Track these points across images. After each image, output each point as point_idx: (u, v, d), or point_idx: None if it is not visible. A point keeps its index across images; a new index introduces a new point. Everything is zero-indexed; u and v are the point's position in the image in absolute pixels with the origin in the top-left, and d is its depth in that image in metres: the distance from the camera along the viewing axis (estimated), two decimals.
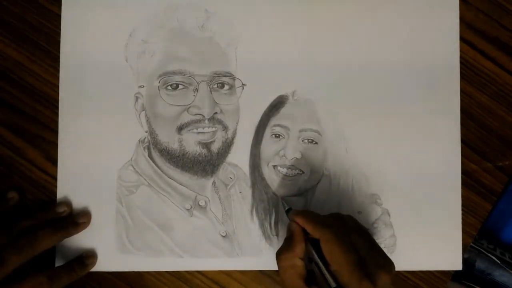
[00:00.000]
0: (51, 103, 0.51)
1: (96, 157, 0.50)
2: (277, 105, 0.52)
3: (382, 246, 0.51)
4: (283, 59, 0.52)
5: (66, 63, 0.51)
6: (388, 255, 0.42)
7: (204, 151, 0.51)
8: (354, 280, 0.39)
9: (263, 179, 0.52)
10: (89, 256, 0.50)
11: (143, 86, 0.51)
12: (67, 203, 0.50)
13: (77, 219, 0.50)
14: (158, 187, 0.51)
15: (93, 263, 0.50)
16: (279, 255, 0.44)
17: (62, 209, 0.50)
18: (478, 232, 0.53)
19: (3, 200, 0.50)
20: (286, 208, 0.49)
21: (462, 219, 0.52)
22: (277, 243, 0.51)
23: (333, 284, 0.41)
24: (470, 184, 0.53)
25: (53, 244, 0.48)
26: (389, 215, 0.52)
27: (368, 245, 0.42)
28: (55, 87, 0.52)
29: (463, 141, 0.53)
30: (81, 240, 0.50)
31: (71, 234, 0.49)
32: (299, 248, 0.43)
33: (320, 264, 0.42)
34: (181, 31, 0.52)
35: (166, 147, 0.51)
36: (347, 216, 0.45)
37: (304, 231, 0.44)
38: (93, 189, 0.51)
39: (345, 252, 0.41)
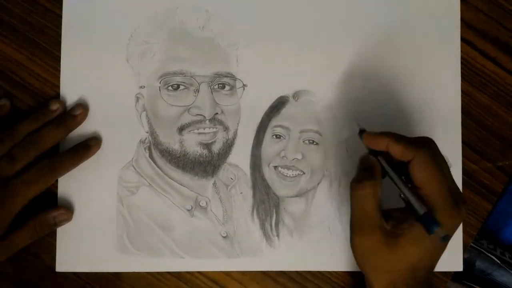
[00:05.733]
0: None
1: (96, 158, 0.50)
2: (278, 106, 0.52)
3: None
4: (284, 60, 0.52)
5: (67, 63, 0.51)
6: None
7: (205, 151, 0.51)
8: (448, 207, 0.38)
9: (264, 179, 0.52)
10: (92, 138, 0.50)
11: (144, 87, 0.51)
12: (59, 101, 0.50)
13: (73, 112, 0.50)
14: (159, 188, 0.51)
15: (98, 145, 0.50)
16: (359, 181, 0.41)
17: (55, 107, 0.50)
18: (478, 232, 0.53)
19: None
20: (360, 129, 0.45)
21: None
22: (278, 244, 0.51)
23: (423, 209, 0.38)
24: (470, 184, 0.53)
25: (57, 141, 0.49)
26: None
27: (452, 177, 0.41)
28: (55, 87, 0.51)
29: (463, 141, 0.53)
30: (82, 239, 0.50)
31: (72, 128, 0.50)
32: (380, 178, 0.41)
33: (407, 189, 0.39)
34: (182, 31, 0.51)
35: (167, 148, 0.51)
36: (434, 143, 0.42)
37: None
38: (94, 189, 0.50)
39: (442, 176, 0.39)
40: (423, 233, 0.39)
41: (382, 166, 0.42)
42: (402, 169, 0.41)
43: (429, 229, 0.38)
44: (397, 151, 0.40)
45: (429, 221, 0.38)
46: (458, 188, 0.41)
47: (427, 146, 0.40)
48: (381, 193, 0.41)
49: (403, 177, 0.41)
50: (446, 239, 0.38)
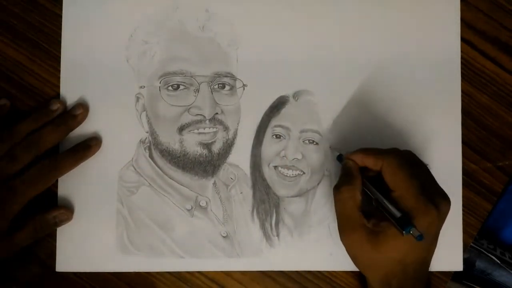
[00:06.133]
0: None
1: (96, 158, 0.50)
2: (278, 105, 0.52)
3: None
4: (284, 60, 0.52)
5: (67, 63, 0.51)
6: None
7: (205, 151, 0.51)
8: (420, 204, 0.41)
9: (264, 179, 0.52)
10: (92, 138, 0.50)
11: (144, 87, 0.51)
12: (60, 100, 0.50)
13: (74, 112, 0.50)
14: (159, 188, 0.51)
15: (98, 145, 0.50)
16: (338, 188, 0.45)
17: (55, 107, 0.50)
18: (478, 232, 0.53)
19: None
20: (337, 155, 0.49)
21: (462, 219, 0.52)
22: (278, 244, 0.51)
23: (397, 214, 0.41)
24: (470, 184, 0.53)
25: (57, 141, 0.49)
26: None
27: (427, 176, 0.44)
28: (55, 87, 0.51)
29: (463, 141, 0.53)
30: (82, 239, 0.50)
31: (72, 128, 0.50)
32: (358, 182, 0.45)
33: (381, 197, 0.43)
34: (182, 31, 0.51)
35: (167, 148, 0.51)
36: (405, 150, 0.46)
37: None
38: (94, 189, 0.50)
39: (410, 176, 0.42)
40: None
41: (363, 180, 0.46)
42: (381, 182, 0.44)
43: (403, 230, 0.40)
44: (369, 162, 0.45)
45: (402, 223, 0.41)
46: (435, 186, 0.44)
47: (393, 153, 0.45)
48: (360, 195, 0.44)
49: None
50: (420, 238, 0.40)
